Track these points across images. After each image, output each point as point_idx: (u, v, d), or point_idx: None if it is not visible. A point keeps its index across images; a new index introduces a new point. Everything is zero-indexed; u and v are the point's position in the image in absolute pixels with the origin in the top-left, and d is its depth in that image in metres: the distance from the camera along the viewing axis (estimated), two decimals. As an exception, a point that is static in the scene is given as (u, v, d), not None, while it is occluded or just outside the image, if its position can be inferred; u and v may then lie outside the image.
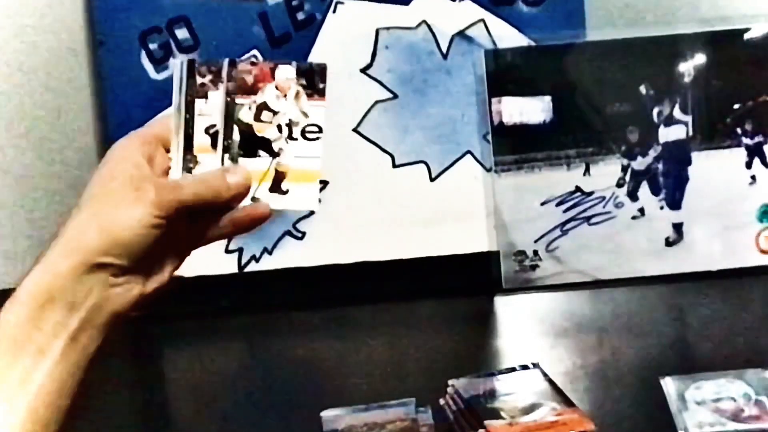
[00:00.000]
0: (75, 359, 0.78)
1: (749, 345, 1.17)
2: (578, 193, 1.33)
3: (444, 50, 1.33)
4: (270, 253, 1.34)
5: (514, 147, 1.32)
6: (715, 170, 1.33)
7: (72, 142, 1.38)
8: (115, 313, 0.80)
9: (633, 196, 1.33)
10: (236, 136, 0.84)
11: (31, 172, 1.39)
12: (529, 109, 1.32)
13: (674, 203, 1.33)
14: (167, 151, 0.84)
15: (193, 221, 0.82)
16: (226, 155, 0.83)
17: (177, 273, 0.84)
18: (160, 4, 1.31)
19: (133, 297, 0.80)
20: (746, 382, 1.03)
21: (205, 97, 0.85)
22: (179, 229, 0.81)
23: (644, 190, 1.33)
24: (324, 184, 1.34)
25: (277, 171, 0.84)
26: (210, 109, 0.84)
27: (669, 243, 1.33)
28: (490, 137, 1.32)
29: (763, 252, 1.33)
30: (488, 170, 1.33)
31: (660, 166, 1.33)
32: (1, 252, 1.41)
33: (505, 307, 1.32)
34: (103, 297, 0.79)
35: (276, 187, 0.84)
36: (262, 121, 0.85)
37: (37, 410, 0.76)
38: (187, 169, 0.83)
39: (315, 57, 1.32)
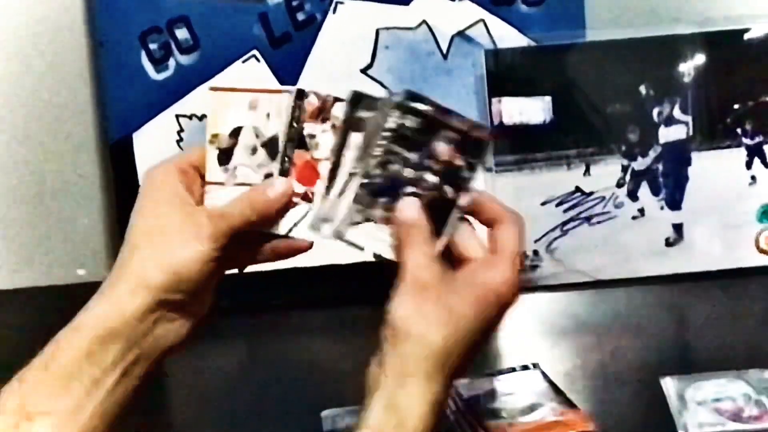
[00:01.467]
0: (125, 390, 0.79)
1: (749, 345, 1.17)
2: (578, 194, 1.33)
3: (444, 50, 1.33)
4: (270, 253, 1.34)
5: (514, 147, 1.32)
6: (715, 170, 1.33)
7: (72, 143, 1.38)
8: (169, 346, 0.81)
9: (633, 196, 1.33)
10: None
11: (30, 172, 1.39)
12: (529, 109, 1.32)
13: (674, 203, 1.33)
14: (202, 180, 0.84)
15: (239, 244, 0.83)
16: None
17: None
18: (160, 4, 1.31)
19: (187, 330, 0.82)
20: (746, 382, 1.03)
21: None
22: (228, 255, 0.82)
23: (644, 190, 1.33)
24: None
25: None
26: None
27: (669, 243, 1.33)
28: (490, 137, 1.32)
29: (763, 252, 1.33)
30: (488, 170, 1.33)
31: (660, 166, 1.33)
32: None
33: (505, 307, 1.31)
34: (160, 333, 0.80)
35: None
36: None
37: None
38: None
39: (315, 57, 1.32)
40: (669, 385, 1.04)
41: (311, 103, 0.84)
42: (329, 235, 0.83)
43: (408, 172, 0.82)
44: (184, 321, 0.82)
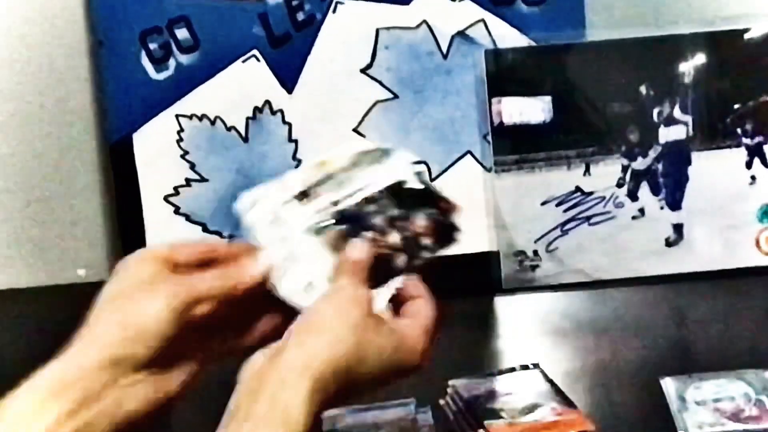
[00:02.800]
0: None
1: (749, 345, 1.17)
2: (578, 193, 1.33)
3: (444, 50, 1.33)
4: (270, 253, 1.34)
5: (514, 147, 1.32)
6: (715, 170, 1.33)
7: (72, 143, 1.38)
8: (133, 412, 0.78)
9: (633, 196, 1.33)
10: None
11: (30, 172, 1.39)
12: (529, 109, 1.32)
13: (674, 203, 1.33)
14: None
15: (215, 328, 0.83)
16: None
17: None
18: (160, 4, 1.31)
19: (151, 399, 0.79)
20: (746, 382, 1.03)
21: None
22: (199, 330, 0.81)
23: (644, 190, 1.33)
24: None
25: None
26: None
27: (669, 243, 1.33)
28: (490, 137, 1.33)
29: (763, 252, 1.33)
30: (488, 170, 1.33)
31: (660, 166, 1.33)
32: None
33: (505, 307, 1.32)
34: (122, 392, 0.77)
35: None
36: None
37: None
38: None
39: (315, 57, 1.32)
40: (669, 385, 1.04)
41: None
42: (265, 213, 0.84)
43: (379, 220, 0.85)
44: (148, 389, 0.79)
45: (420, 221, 0.86)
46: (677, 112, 1.32)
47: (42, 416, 0.74)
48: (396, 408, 1.03)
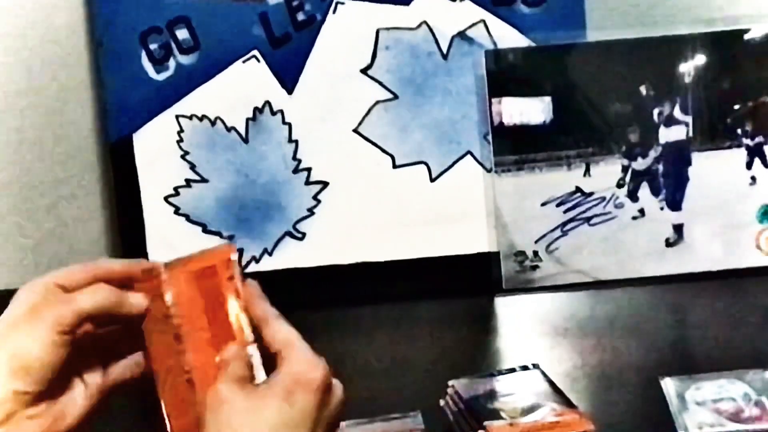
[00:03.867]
0: None
1: (749, 345, 1.17)
2: (578, 194, 1.33)
3: (444, 51, 1.33)
4: (270, 253, 1.34)
5: (514, 147, 1.32)
6: (716, 171, 1.33)
7: (71, 143, 1.38)
8: None
9: (633, 196, 1.33)
10: None
11: (30, 171, 1.39)
12: (529, 110, 1.32)
13: (674, 204, 1.33)
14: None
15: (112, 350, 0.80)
16: None
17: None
18: (160, 4, 1.31)
19: (52, 429, 0.77)
20: (746, 382, 1.03)
21: None
22: (87, 351, 0.79)
23: (644, 190, 1.33)
24: (324, 184, 1.34)
25: None
26: None
27: (669, 243, 1.33)
28: (490, 137, 1.33)
29: (764, 252, 1.33)
30: (488, 171, 1.33)
31: (660, 166, 1.33)
32: None
33: (505, 307, 1.32)
34: (14, 427, 0.75)
35: None
36: None
37: None
38: None
39: (315, 57, 1.32)
40: (669, 385, 1.04)
41: None
42: None
43: None
44: (45, 419, 0.77)
45: None
46: (677, 112, 1.32)
47: None
48: (401, 420, 1.03)
